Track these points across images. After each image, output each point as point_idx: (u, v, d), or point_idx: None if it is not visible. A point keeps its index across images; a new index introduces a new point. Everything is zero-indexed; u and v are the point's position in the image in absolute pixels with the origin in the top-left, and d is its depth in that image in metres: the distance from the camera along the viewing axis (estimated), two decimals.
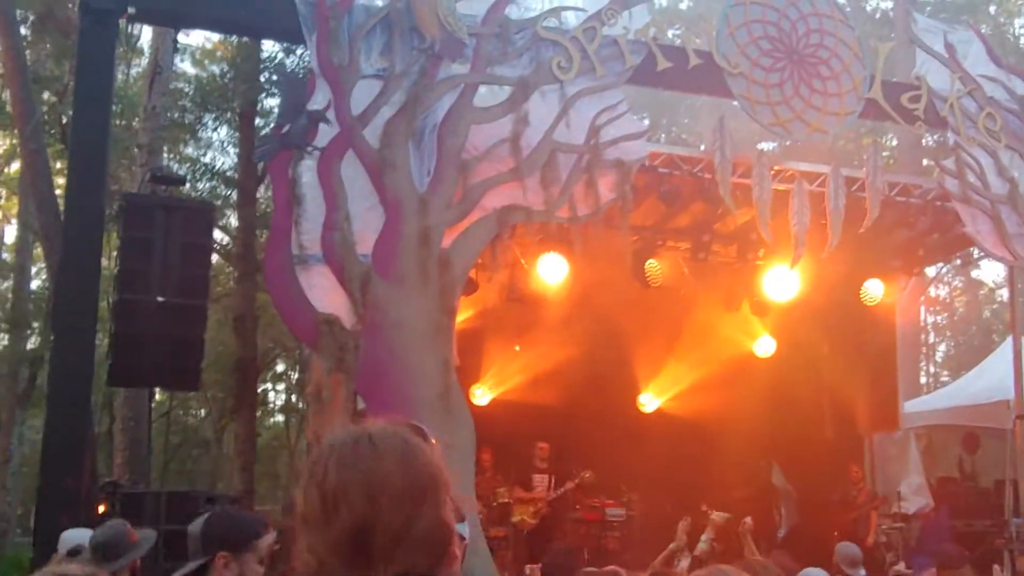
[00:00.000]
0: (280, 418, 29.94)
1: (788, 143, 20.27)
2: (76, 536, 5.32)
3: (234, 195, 17.79)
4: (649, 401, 13.98)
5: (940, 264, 13.79)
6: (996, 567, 9.84)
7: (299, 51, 14.53)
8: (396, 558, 1.44)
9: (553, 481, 12.16)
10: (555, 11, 9.65)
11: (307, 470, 1.54)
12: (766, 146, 21.95)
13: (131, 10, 9.08)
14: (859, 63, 10.33)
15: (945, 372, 33.27)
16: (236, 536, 3.13)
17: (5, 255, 27.35)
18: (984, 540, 12.18)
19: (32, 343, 20.58)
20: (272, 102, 16.13)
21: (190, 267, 9.08)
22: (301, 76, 10.18)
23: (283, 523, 8.54)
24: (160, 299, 8.88)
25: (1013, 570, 10.99)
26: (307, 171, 8.75)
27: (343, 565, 1.45)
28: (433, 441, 1.58)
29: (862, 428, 13.85)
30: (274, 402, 30.50)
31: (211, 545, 3.08)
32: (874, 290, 12.69)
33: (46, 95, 17.84)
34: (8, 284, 26.17)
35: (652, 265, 12.09)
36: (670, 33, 16.18)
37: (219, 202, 18.09)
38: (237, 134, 17.25)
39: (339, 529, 1.45)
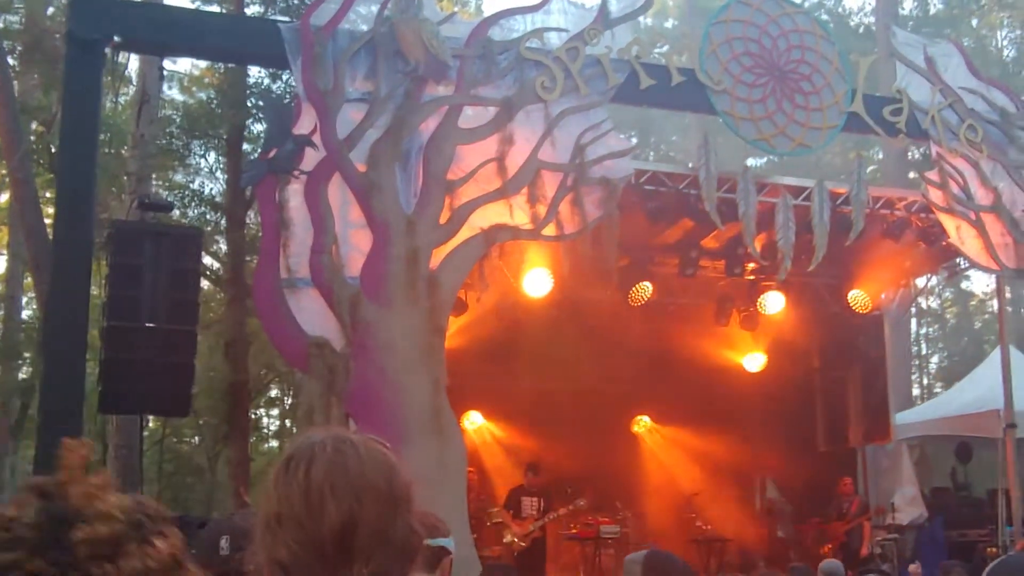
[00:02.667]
0: (275, 443, 29.82)
1: (775, 159, 20.43)
2: None
3: (223, 221, 17.80)
4: (641, 418, 13.99)
5: (929, 275, 13.80)
6: None
7: (285, 76, 14.60)
8: (375, 558, 1.47)
9: (543, 504, 11.91)
10: (538, 32, 9.70)
11: (282, 468, 1.54)
12: (753, 162, 22.06)
13: (117, 39, 9.11)
14: (840, 77, 10.42)
15: (938, 384, 33.30)
16: None
17: None
18: (978, 549, 12.20)
19: (24, 373, 20.54)
20: (259, 127, 16.16)
21: (179, 293, 9.02)
22: (287, 101, 10.24)
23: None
24: (150, 325, 8.84)
25: None
26: (294, 195, 8.77)
27: (321, 562, 1.46)
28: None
29: (854, 440, 13.88)
30: (268, 427, 30.42)
31: None
32: (862, 298, 12.75)
33: (34, 125, 17.89)
34: None
35: (641, 286, 12.18)
36: (656, 51, 16.29)
37: (208, 228, 18.06)
38: (225, 160, 17.30)
39: (324, 526, 1.46)
